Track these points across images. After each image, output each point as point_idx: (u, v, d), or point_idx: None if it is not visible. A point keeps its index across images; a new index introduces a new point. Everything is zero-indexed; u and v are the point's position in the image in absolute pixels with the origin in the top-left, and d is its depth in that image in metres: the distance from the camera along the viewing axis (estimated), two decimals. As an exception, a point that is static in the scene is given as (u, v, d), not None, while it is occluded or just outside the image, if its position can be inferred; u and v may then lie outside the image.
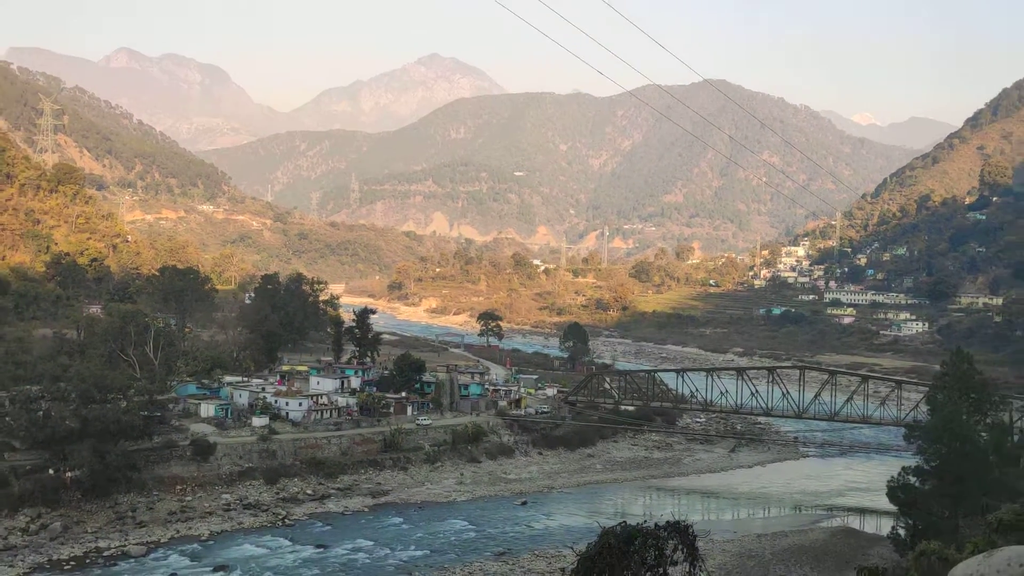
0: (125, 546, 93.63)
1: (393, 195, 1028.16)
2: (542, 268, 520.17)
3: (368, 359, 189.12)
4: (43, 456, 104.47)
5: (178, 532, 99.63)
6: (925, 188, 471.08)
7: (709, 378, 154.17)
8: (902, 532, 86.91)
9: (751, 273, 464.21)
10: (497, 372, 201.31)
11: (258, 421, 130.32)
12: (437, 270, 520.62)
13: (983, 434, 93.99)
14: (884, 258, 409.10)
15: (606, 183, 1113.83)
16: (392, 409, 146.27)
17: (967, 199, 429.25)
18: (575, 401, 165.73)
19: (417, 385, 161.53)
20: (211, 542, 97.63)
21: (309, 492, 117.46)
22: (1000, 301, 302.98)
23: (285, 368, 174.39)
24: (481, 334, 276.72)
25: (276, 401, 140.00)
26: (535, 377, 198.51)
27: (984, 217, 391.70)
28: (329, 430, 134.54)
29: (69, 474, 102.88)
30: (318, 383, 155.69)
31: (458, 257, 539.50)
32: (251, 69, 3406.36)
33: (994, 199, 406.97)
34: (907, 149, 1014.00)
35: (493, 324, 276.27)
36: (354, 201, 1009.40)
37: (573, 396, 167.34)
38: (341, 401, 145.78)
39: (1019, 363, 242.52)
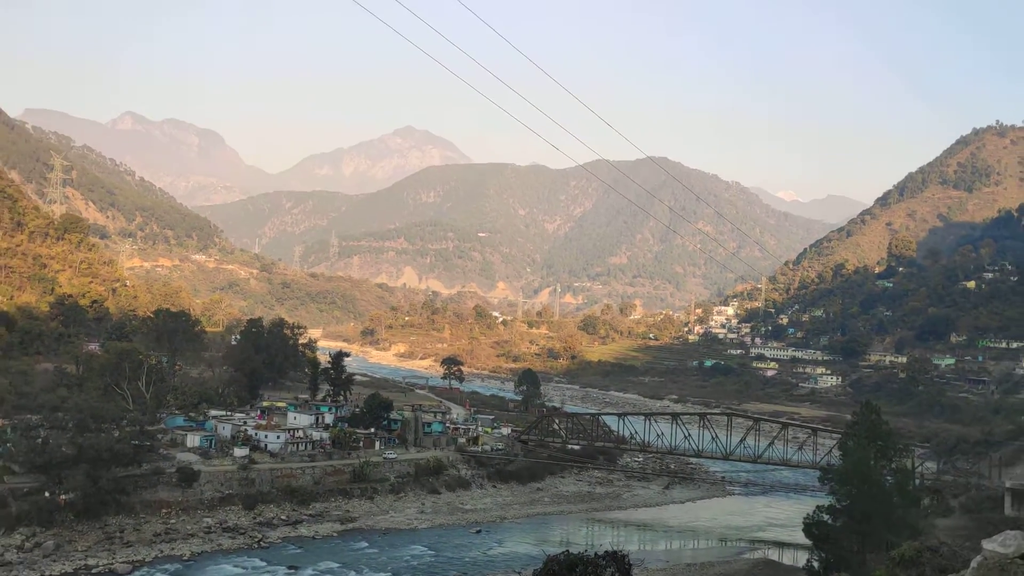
0: (112, 564, 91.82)
1: (368, 250, 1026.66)
2: (500, 319, 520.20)
3: (341, 398, 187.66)
4: (40, 480, 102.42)
5: (162, 552, 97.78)
6: (840, 258, 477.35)
7: (647, 422, 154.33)
8: (816, 564, 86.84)
9: (686, 329, 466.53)
10: (458, 412, 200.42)
11: (239, 452, 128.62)
12: (406, 319, 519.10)
13: (888, 478, 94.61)
14: (803, 319, 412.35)
15: (559, 245, 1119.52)
16: (361, 443, 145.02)
17: (876, 268, 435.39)
18: (527, 440, 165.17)
19: (385, 422, 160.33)
20: (192, 562, 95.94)
21: (284, 517, 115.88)
22: (904, 359, 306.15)
23: (265, 404, 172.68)
24: (444, 377, 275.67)
25: (256, 434, 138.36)
26: (492, 417, 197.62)
27: (891, 285, 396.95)
28: (304, 461, 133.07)
29: (63, 497, 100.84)
30: (295, 418, 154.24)
31: (425, 307, 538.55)
32: (244, 134, 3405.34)
33: (900, 269, 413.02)
34: (825, 223, 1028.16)
35: (455, 368, 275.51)
36: (333, 255, 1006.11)
37: (525, 435, 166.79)
38: (315, 435, 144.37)
39: (920, 415, 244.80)
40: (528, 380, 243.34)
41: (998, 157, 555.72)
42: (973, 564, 18.57)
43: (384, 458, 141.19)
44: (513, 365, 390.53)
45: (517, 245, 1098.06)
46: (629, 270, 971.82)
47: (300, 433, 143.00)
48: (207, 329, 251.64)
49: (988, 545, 18.59)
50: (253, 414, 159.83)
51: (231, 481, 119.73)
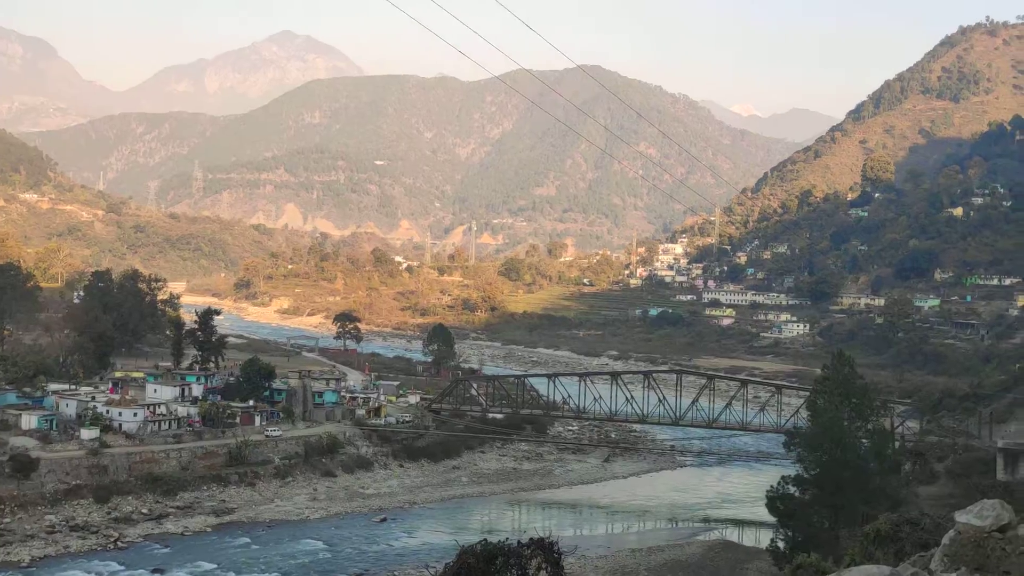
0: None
1: (241, 185, 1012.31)
2: (404, 265, 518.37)
3: (212, 364, 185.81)
4: None
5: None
6: (807, 183, 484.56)
7: (582, 383, 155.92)
8: (781, 544, 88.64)
9: (627, 272, 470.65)
10: (355, 378, 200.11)
11: (87, 433, 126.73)
12: (289, 267, 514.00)
13: (864, 441, 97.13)
14: (764, 256, 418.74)
15: (474, 174, 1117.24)
16: (238, 419, 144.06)
17: (849, 195, 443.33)
18: (439, 409, 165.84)
19: (266, 393, 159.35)
20: (33, 568, 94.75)
21: (145, 511, 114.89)
22: (882, 302, 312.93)
23: (118, 374, 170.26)
24: (337, 337, 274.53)
25: (108, 411, 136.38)
26: (396, 383, 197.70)
27: (866, 214, 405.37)
28: (168, 443, 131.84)
29: None
30: (155, 391, 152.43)
31: (313, 253, 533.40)
32: (81, 43, 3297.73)
33: (876, 195, 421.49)
34: (788, 142, 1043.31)
35: (351, 326, 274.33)
36: (197, 191, 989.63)
37: (437, 404, 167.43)
38: (181, 411, 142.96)
39: (900, 366, 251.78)
40: (439, 338, 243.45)
41: (988, 60, 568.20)
42: (945, 540, 19.16)
43: (266, 436, 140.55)
44: (421, 320, 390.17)
45: (423, 175, 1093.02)
46: (558, 203, 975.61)
47: (162, 409, 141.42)
48: (42, 285, 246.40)
49: (961, 517, 19.19)
50: (103, 387, 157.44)
51: (78, 469, 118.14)
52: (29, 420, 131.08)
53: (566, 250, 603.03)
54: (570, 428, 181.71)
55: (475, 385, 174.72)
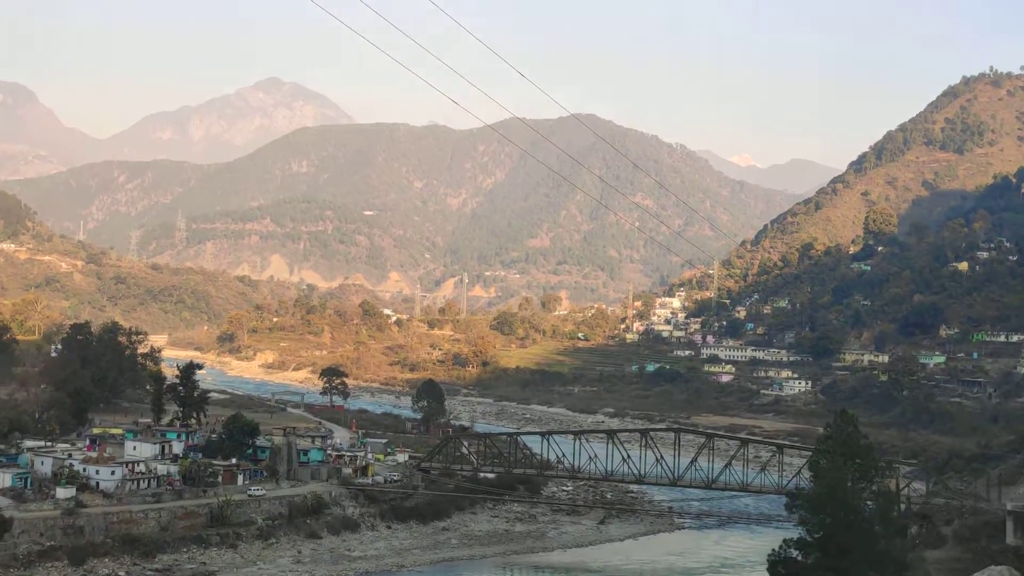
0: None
1: (225, 235, 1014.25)
2: (394, 319, 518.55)
3: (193, 421, 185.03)
4: None
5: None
6: (808, 236, 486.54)
7: (577, 441, 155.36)
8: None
9: (623, 326, 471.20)
10: (341, 435, 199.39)
11: (63, 492, 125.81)
12: (275, 320, 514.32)
13: (868, 503, 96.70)
14: (764, 311, 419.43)
15: (466, 225, 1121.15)
16: (220, 478, 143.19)
17: (851, 248, 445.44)
18: (429, 468, 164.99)
19: (249, 450, 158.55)
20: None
21: (122, 573, 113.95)
22: (886, 358, 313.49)
23: (96, 431, 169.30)
24: (324, 392, 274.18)
25: (85, 469, 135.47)
26: (384, 441, 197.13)
27: (869, 268, 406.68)
28: (147, 502, 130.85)
29: None
30: (135, 448, 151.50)
31: (299, 305, 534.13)
32: (62, 89, 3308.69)
33: (879, 248, 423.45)
34: (789, 194, 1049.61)
35: (337, 381, 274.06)
36: (180, 241, 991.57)
37: (427, 462, 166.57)
38: (161, 469, 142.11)
39: (906, 425, 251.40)
40: (429, 394, 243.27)
41: (993, 111, 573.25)
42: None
43: (249, 495, 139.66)
44: (410, 375, 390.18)
45: (413, 226, 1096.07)
46: (552, 255, 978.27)
47: (141, 467, 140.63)
48: (19, 337, 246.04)
49: (970, 584, 19.21)
50: (80, 444, 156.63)
51: (53, 530, 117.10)
52: (3, 478, 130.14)
53: (560, 303, 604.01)
54: (564, 488, 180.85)
55: (466, 443, 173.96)
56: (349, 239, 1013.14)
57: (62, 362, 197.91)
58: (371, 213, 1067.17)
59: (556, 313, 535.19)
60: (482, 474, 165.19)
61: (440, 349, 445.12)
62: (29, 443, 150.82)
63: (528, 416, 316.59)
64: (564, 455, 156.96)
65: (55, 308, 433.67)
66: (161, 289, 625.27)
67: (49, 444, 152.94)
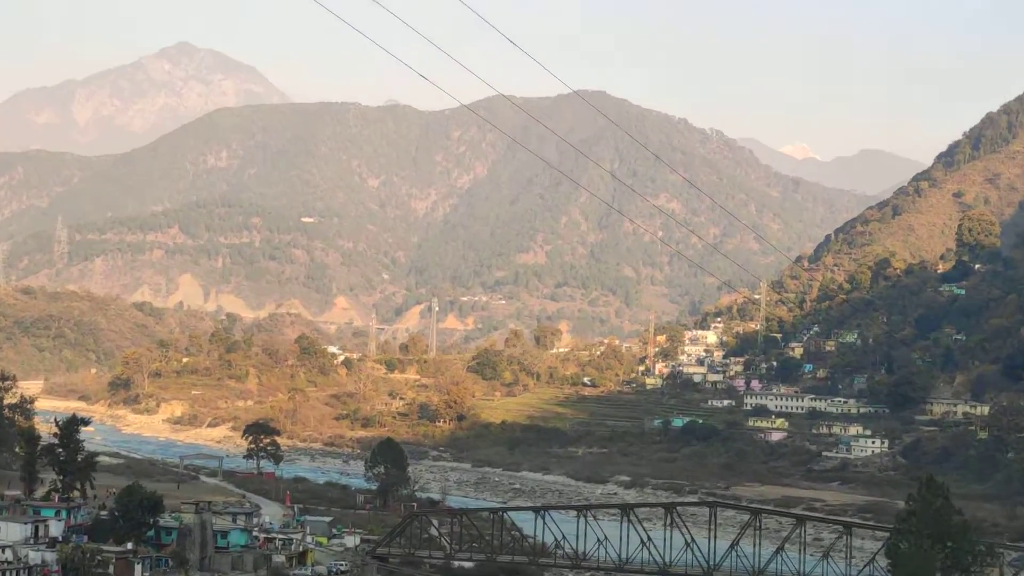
0: None
1: (120, 249, 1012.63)
2: (341, 358, 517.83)
3: (77, 493, 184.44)
4: None
5: None
6: (883, 250, 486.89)
7: (582, 519, 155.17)
8: None
9: (642, 368, 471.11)
10: (272, 512, 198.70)
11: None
12: (185, 361, 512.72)
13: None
14: (827, 348, 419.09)
15: (435, 236, 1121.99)
16: (112, 568, 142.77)
17: (940, 266, 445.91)
18: (387, 555, 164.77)
19: (150, 532, 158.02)
20: None
21: None
22: (986, 410, 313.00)
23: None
24: (249, 456, 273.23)
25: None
26: (328, 520, 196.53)
27: (963, 292, 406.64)
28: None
29: None
30: (0, 530, 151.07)
31: (216, 342, 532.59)
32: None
33: (976, 266, 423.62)
34: (858, 195, 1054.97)
35: (267, 441, 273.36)
36: (60, 257, 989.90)
37: (384, 548, 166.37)
38: (34, 557, 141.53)
39: (1012, 497, 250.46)
40: (388, 457, 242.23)
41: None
42: None
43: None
44: (363, 433, 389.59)
45: (367, 237, 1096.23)
46: (549, 275, 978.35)
47: (7, 554, 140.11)
48: None
49: None
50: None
51: None
52: None
53: (560, 338, 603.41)
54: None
55: (436, 522, 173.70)
56: (283, 255, 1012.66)
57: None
58: (311, 220, 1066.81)
59: (554, 351, 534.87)
60: (457, 563, 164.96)
61: (402, 399, 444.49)
62: None
63: (517, 487, 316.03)
64: (565, 537, 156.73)
65: None
66: (35, 320, 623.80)
67: None
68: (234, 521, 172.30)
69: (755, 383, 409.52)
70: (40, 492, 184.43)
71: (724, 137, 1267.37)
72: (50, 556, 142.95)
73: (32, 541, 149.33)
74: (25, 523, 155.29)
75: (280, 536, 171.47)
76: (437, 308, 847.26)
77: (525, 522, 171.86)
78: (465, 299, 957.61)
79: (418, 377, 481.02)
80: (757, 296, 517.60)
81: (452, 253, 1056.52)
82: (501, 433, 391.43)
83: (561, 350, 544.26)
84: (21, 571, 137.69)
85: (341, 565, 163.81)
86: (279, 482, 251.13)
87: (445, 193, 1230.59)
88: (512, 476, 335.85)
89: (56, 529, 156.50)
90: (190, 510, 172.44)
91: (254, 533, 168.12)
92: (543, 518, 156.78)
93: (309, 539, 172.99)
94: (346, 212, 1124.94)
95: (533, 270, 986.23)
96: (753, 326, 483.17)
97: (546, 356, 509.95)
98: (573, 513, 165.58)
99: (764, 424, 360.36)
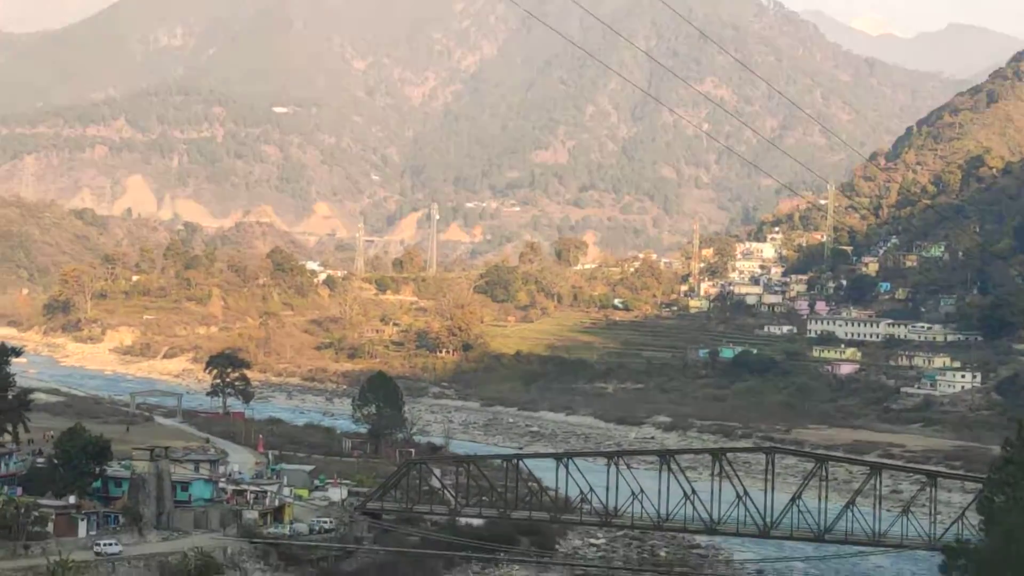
0: None
1: (55, 145, 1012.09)
2: (323, 276, 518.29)
3: (8, 437, 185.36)
4: None
5: None
6: (977, 145, 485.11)
7: (612, 468, 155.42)
8: None
9: (685, 287, 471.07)
10: (242, 460, 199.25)
11: None
12: (135, 279, 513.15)
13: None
14: (908, 264, 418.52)
15: (435, 129, 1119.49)
16: (51, 526, 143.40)
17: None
18: (379, 511, 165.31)
19: (97, 483, 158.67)
20: None
21: None
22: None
23: None
24: (213, 392, 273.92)
25: None
26: (309, 469, 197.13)
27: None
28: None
29: None
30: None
31: (173, 256, 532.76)
32: None
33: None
34: (946, 79, 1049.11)
35: (235, 375, 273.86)
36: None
37: (376, 502, 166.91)
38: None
39: None
40: (380, 394, 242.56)
41: None
42: None
43: (98, 554, 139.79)
44: (350, 366, 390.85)
45: (352, 131, 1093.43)
46: (573, 177, 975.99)
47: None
48: None
49: None
50: None
51: None
52: None
53: (585, 252, 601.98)
54: (593, 542, 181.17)
55: (438, 472, 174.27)
56: (251, 152, 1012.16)
57: None
58: (285, 110, 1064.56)
59: (579, 268, 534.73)
60: (464, 519, 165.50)
61: (396, 325, 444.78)
62: None
63: (535, 429, 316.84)
64: (592, 490, 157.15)
65: None
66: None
67: None
68: (196, 470, 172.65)
69: (821, 305, 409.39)
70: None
71: (783, 9, 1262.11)
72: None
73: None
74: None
75: (252, 488, 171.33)
76: (437, 216, 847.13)
77: (545, 472, 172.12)
78: (471, 205, 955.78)
79: (415, 299, 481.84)
80: (823, 201, 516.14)
81: (455, 150, 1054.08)
82: (515, 366, 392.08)
83: (587, 266, 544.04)
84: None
85: (325, 523, 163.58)
86: (250, 424, 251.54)
87: (446, 78, 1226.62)
88: (529, 417, 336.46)
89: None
90: (144, 457, 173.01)
91: (220, 484, 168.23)
92: (566, 467, 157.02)
93: (286, 492, 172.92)
94: (326, 101, 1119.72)
95: (553, 170, 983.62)
96: (818, 237, 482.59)
97: (569, 274, 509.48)
98: (602, 461, 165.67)
99: (832, 355, 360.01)
